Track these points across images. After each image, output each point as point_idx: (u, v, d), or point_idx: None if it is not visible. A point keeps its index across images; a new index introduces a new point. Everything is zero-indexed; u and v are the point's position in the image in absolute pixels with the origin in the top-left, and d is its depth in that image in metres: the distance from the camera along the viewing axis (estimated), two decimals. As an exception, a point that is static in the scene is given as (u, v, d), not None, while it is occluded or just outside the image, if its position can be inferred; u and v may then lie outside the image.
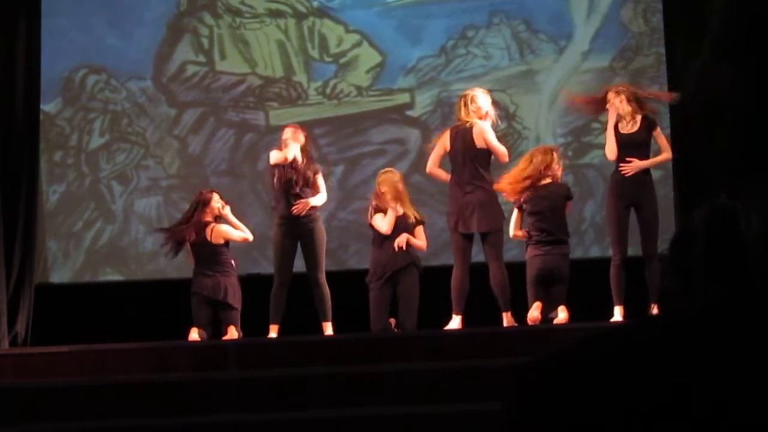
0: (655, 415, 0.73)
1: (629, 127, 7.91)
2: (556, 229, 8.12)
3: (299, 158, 8.24)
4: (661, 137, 8.01)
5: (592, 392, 0.76)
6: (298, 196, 8.17)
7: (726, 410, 0.71)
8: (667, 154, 8.03)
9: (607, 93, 8.05)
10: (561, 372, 0.79)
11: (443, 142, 8.02)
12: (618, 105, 7.92)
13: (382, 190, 8.37)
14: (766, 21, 0.74)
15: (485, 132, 7.92)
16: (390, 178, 8.43)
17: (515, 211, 8.25)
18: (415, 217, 8.40)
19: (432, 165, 8.12)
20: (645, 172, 7.90)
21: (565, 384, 0.78)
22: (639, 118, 7.94)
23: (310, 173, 8.26)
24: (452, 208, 7.95)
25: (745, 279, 1.90)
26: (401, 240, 8.25)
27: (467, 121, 7.91)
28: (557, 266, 8.02)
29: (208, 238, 8.40)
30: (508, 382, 0.82)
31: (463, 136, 7.91)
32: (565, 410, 0.77)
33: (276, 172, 8.26)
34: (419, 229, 8.41)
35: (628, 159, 7.84)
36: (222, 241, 8.46)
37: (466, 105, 7.95)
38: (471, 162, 7.89)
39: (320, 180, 8.39)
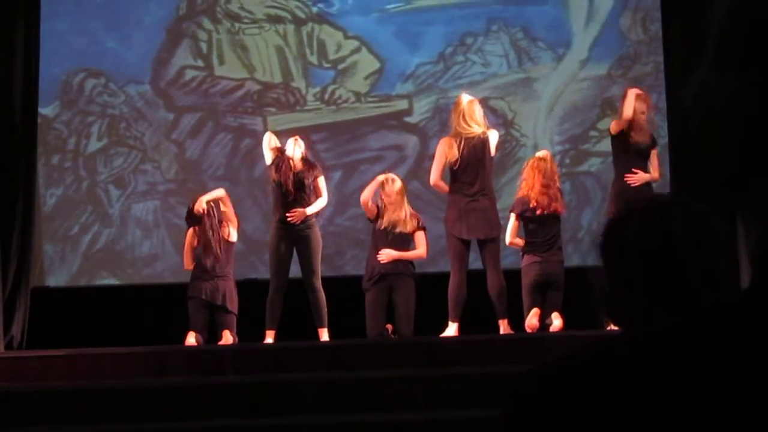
0: (651, 424, 0.73)
1: (642, 138, 8.00)
2: (553, 236, 8.15)
3: (295, 163, 8.24)
4: (655, 157, 8.12)
5: (589, 401, 0.76)
6: (294, 203, 8.17)
7: (714, 417, 0.71)
8: (656, 174, 8.12)
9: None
10: (557, 380, 0.79)
11: (446, 153, 7.93)
12: (644, 115, 8.01)
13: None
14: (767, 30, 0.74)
15: (495, 140, 7.98)
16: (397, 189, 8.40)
17: (512, 219, 8.25)
18: (416, 224, 8.38)
19: (437, 177, 8.04)
20: (646, 182, 7.99)
21: (561, 392, 0.78)
22: (648, 132, 8.06)
23: (309, 178, 8.25)
24: (453, 214, 7.91)
25: (680, 277, 1.90)
26: (383, 255, 8.24)
27: (481, 131, 7.89)
28: (555, 273, 8.05)
29: (225, 237, 8.44)
30: (505, 390, 0.82)
31: (481, 147, 7.86)
32: (561, 418, 0.77)
33: (272, 177, 8.26)
34: (419, 235, 8.40)
35: (634, 170, 7.93)
36: (233, 239, 8.51)
37: (478, 114, 7.93)
38: (482, 171, 7.88)
39: (322, 183, 8.37)
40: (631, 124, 7.98)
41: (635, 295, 1.94)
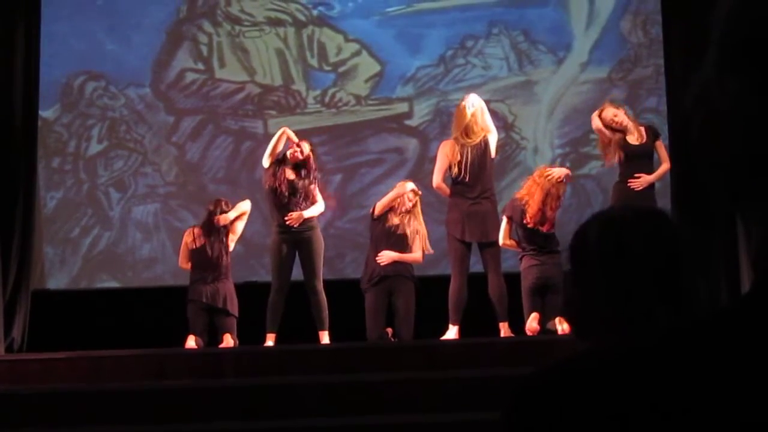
0: (652, 428, 0.73)
1: (637, 139, 7.99)
2: (549, 239, 8.14)
3: (288, 171, 8.24)
4: (661, 148, 8.11)
5: (590, 404, 0.76)
6: (290, 208, 8.17)
7: (724, 424, 0.71)
8: (666, 165, 8.12)
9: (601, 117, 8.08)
10: (559, 384, 0.79)
11: (448, 156, 7.92)
12: (622, 118, 7.99)
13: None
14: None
15: (495, 142, 7.97)
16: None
17: (504, 221, 8.24)
18: (416, 229, 8.40)
19: (440, 180, 8.03)
20: (650, 184, 8.00)
21: (562, 396, 0.78)
22: (643, 129, 8.05)
23: (302, 186, 8.24)
24: (454, 216, 7.89)
25: (640, 287, 1.92)
26: (383, 257, 8.25)
27: (481, 134, 7.88)
28: (553, 276, 8.04)
29: (226, 242, 8.47)
30: (506, 393, 0.82)
31: (482, 150, 7.85)
32: (562, 422, 0.77)
33: (267, 181, 8.27)
34: (417, 240, 8.41)
35: (636, 174, 7.92)
36: (232, 245, 8.54)
37: (482, 116, 7.92)
38: (483, 174, 7.87)
39: (315, 191, 8.38)
40: (619, 131, 7.98)
41: (597, 303, 1.96)
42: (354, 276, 9.00)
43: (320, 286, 8.20)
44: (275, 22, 10.24)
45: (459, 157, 7.82)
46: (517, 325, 7.91)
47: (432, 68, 10.10)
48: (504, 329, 7.85)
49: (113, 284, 9.96)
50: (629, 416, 0.74)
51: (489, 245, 7.90)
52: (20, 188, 8.67)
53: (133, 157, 10.09)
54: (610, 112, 8.03)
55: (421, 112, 10.08)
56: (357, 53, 10.18)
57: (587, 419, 0.76)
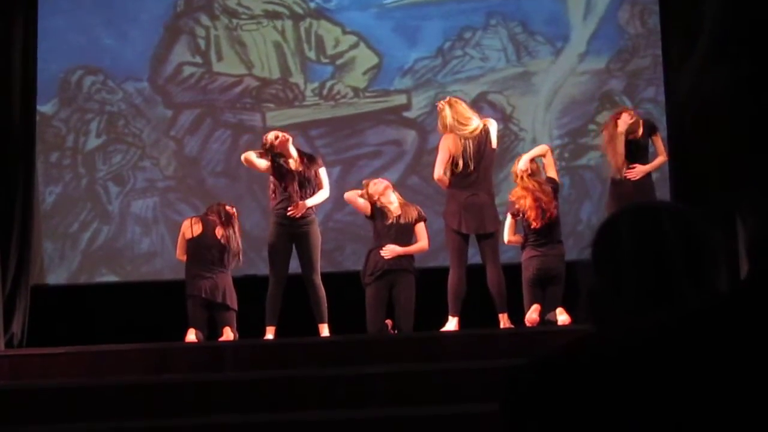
0: (648, 417, 0.73)
1: (634, 136, 8.03)
2: (553, 229, 8.14)
3: (292, 164, 8.20)
4: (659, 141, 8.15)
5: (586, 393, 0.76)
6: (294, 197, 8.15)
7: (716, 415, 0.71)
8: (663, 157, 8.16)
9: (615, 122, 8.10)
10: (554, 372, 0.79)
11: (450, 148, 7.91)
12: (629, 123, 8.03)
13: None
14: (762, 23, 0.74)
15: (495, 131, 7.96)
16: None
17: (508, 218, 8.24)
18: (416, 215, 8.39)
19: (441, 172, 8.00)
20: (646, 174, 8.01)
21: (558, 384, 0.78)
22: (638, 127, 8.09)
23: (309, 173, 8.22)
24: (452, 207, 7.89)
25: (671, 279, 1.92)
26: (387, 251, 8.24)
27: (481, 125, 7.87)
28: (554, 267, 8.04)
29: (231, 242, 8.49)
30: (503, 381, 0.82)
31: (483, 140, 7.84)
32: (558, 411, 0.77)
33: (274, 178, 8.22)
34: (420, 227, 8.39)
35: (631, 165, 7.95)
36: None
37: (458, 106, 7.92)
38: (483, 165, 7.86)
39: (323, 175, 8.32)
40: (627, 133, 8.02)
41: (624, 295, 1.96)
42: (354, 268, 9.00)
43: (318, 279, 8.18)
44: (272, 15, 10.23)
45: (461, 150, 7.82)
46: (517, 316, 7.92)
47: (430, 60, 10.09)
48: (503, 320, 7.85)
49: (113, 279, 9.96)
50: (625, 407, 0.74)
51: (487, 237, 7.90)
52: (19, 183, 8.67)
53: (132, 151, 10.08)
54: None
55: (420, 104, 10.08)
56: (355, 45, 10.17)
57: (582, 406, 0.76)
